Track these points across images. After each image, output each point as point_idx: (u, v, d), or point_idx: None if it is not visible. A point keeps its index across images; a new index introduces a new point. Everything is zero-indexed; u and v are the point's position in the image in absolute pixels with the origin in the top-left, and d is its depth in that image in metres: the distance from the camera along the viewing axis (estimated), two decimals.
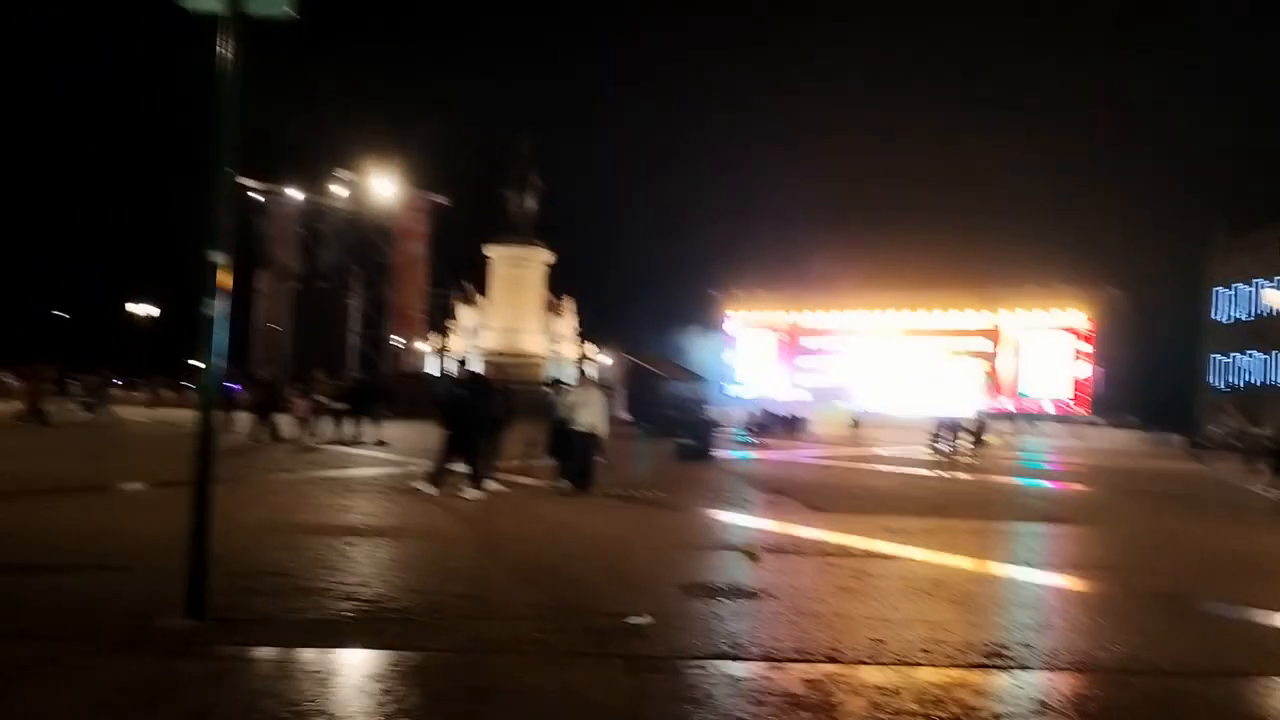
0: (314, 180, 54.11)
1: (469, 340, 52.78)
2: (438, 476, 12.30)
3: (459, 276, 55.76)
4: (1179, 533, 13.23)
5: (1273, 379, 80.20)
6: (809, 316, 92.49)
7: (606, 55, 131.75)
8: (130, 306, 68.61)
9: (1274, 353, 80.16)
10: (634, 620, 5.91)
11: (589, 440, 13.23)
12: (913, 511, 13.37)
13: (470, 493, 12.13)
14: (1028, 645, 5.85)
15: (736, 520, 11.67)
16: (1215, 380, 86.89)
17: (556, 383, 15.74)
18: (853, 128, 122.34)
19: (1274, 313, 78.40)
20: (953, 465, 26.78)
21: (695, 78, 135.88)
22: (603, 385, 16.20)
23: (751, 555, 8.61)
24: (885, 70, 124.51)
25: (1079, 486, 21.41)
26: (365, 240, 54.44)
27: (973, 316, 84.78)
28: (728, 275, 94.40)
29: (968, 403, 68.44)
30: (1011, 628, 6.41)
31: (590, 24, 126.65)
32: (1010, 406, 76.95)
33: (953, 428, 31.14)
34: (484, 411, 12.51)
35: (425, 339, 53.94)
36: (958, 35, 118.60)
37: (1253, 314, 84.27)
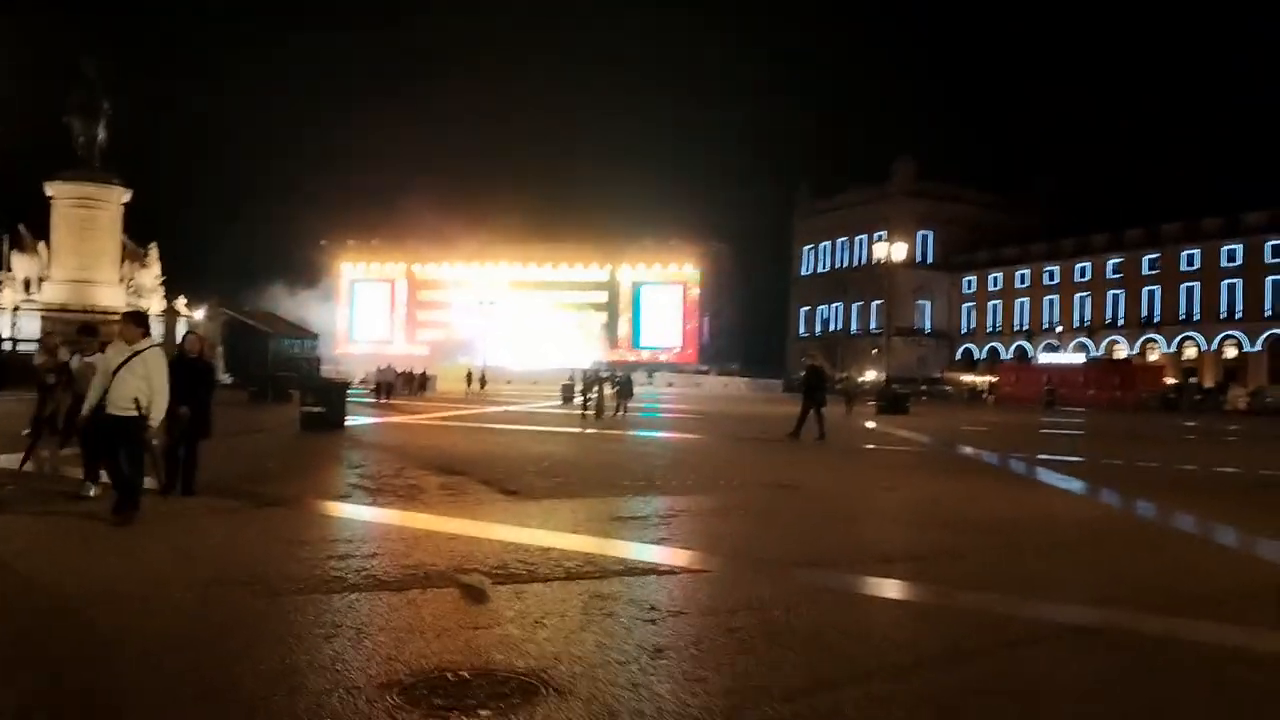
0: None
1: (26, 294, 44.07)
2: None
3: (11, 219, 46.28)
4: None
5: (846, 326, 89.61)
6: (426, 269, 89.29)
7: None
8: None
9: (851, 303, 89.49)
10: None
11: (129, 426, 8.32)
12: (629, 489, 11.36)
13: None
14: None
15: (424, 522, 8.58)
16: (803, 329, 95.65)
17: (83, 334, 11.41)
18: (463, 78, 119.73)
19: (853, 266, 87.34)
20: (601, 421, 25.69)
21: (303, 15, 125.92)
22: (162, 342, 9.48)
23: (476, 590, 5.88)
24: (498, 27, 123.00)
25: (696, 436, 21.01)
26: None
27: (590, 271, 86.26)
28: (339, 225, 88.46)
29: (586, 356, 69.51)
30: None
31: None
32: (627, 358, 79.27)
33: (595, 380, 30.02)
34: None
35: None
36: None
37: (829, 268, 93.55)
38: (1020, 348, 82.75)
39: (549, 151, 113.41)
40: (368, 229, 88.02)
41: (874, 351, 74.06)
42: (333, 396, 21.28)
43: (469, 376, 54.66)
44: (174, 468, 9.71)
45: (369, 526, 8.62)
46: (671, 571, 6.80)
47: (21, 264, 45.03)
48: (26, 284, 44.73)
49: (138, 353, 8.31)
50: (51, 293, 43.53)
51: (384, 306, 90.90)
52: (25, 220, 45.12)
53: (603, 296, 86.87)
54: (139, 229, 47.16)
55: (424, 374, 51.92)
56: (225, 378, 45.31)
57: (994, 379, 67.35)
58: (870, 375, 68.90)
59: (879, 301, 77.14)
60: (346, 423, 21.24)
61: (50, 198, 44.00)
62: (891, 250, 45.96)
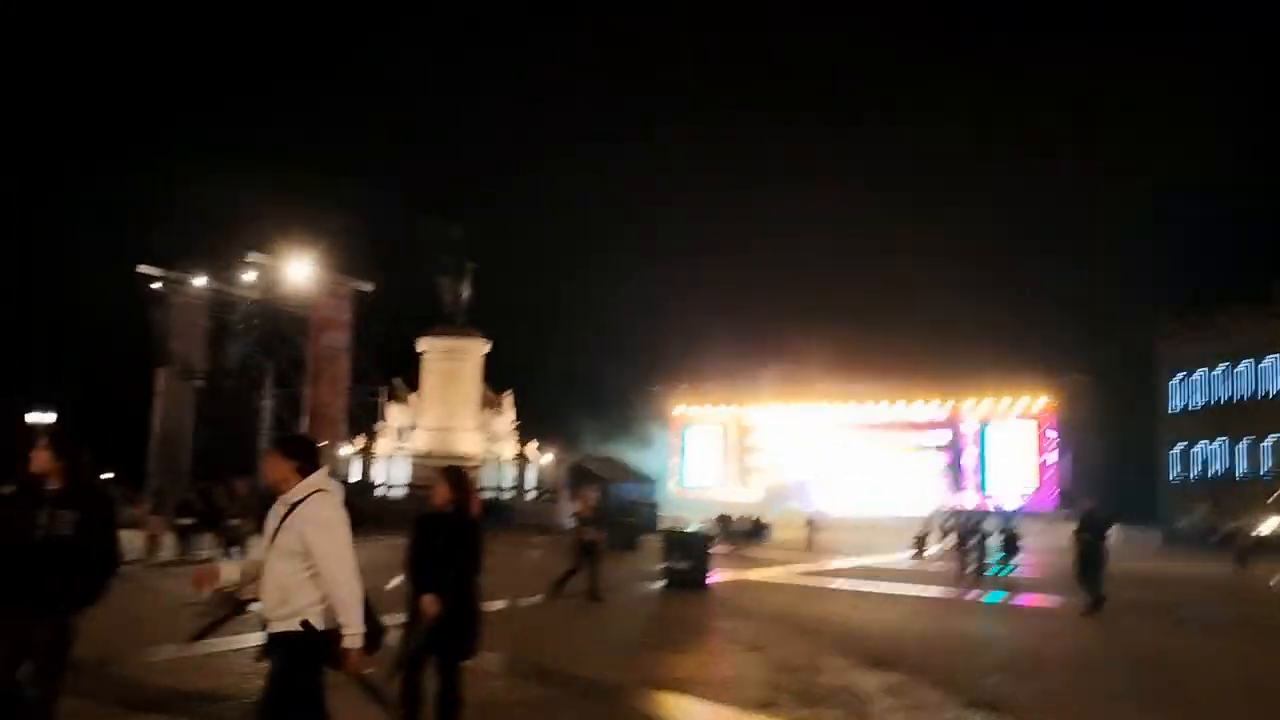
0: (222, 266, 48.75)
1: (398, 442, 47.34)
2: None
3: (387, 372, 50.54)
4: None
5: (1234, 466, 78.08)
6: (755, 411, 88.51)
7: (543, 134, 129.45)
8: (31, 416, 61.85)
9: (1236, 439, 78.19)
10: None
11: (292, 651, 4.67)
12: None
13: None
14: None
15: None
16: (1176, 470, 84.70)
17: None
18: (794, 218, 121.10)
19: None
20: (986, 580, 22.34)
21: (637, 160, 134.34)
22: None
23: None
24: (836, 163, 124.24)
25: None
26: (279, 332, 48.98)
27: (929, 408, 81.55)
28: (671, 369, 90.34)
29: (929, 501, 64.79)
30: None
31: (527, 100, 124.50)
32: (976, 503, 73.18)
33: (972, 529, 26.24)
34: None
35: (348, 441, 48.31)
36: (906, 125, 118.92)
37: (1211, 401, 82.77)
38: None
39: (903, 292, 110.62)
40: (698, 372, 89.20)
41: (1270, 500, 63.54)
42: (696, 551, 19.68)
43: (809, 524, 52.05)
44: (415, 701, 6.04)
45: None
46: None
47: (396, 414, 48.66)
48: (400, 433, 48.10)
49: (292, 507, 4.59)
50: (419, 440, 46.42)
51: (715, 450, 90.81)
52: (401, 374, 48.98)
53: (943, 436, 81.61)
54: (495, 377, 49.80)
55: (758, 521, 50.05)
56: (571, 524, 45.87)
57: None
58: (1273, 525, 58.74)
59: (1277, 437, 66.63)
60: (705, 579, 19.52)
61: (421, 352, 47.49)
62: None
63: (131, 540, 16.76)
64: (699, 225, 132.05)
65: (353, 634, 4.39)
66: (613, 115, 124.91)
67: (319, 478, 4.62)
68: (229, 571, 4.81)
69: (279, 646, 4.42)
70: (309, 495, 4.52)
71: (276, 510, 4.57)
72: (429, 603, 5.86)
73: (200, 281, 48.63)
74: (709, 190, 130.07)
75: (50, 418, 64.82)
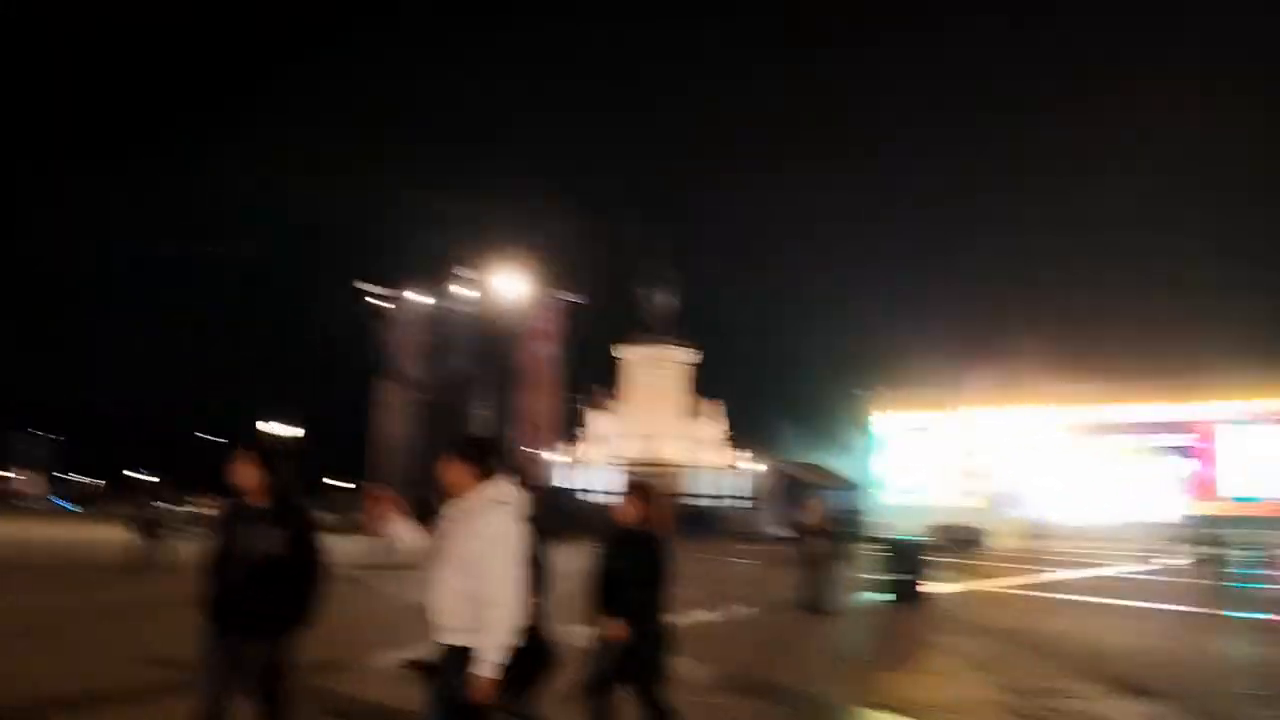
0: (437, 282, 51.23)
1: (604, 449, 48.17)
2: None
3: (592, 380, 51.62)
4: None
5: None
6: (971, 415, 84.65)
7: (743, 149, 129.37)
8: (268, 426, 67.13)
9: None
10: None
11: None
12: None
13: None
14: None
15: None
16: None
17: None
18: (1001, 215, 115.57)
19: None
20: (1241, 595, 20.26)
21: (835, 163, 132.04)
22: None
23: None
24: (1054, 153, 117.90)
25: None
26: (491, 344, 50.95)
27: (1166, 409, 75.43)
28: (876, 373, 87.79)
29: (1164, 508, 60.06)
30: None
31: (730, 115, 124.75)
32: (1220, 511, 67.16)
33: (1214, 540, 23.97)
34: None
35: (557, 449, 49.58)
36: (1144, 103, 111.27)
37: None
38: None
39: (1132, 284, 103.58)
40: (904, 375, 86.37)
41: None
42: (915, 560, 18.80)
43: (1031, 532, 49.31)
44: None
45: None
46: None
47: (601, 421, 49.57)
48: (605, 440, 48.97)
49: (465, 515, 4.31)
50: (625, 447, 47.07)
51: (924, 456, 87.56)
52: (607, 382, 49.91)
53: (1180, 439, 75.29)
54: (704, 386, 49.92)
55: (976, 529, 47.76)
56: (780, 531, 45.27)
57: None
58: None
59: None
60: (924, 590, 18.60)
61: (625, 360, 48.21)
62: None
63: (353, 545, 17.51)
64: (913, 227, 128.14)
65: (489, 660, 4.02)
66: (836, 131, 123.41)
67: (497, 485, 4.28)
68: (402, 528, 4.44)
69: (452, 662, 4.13)
70: (484, 503, 4.23)
71: (450, 516, 4.27)
72: (613, 627, 5.62)
73: (418, 298, 51.28)
74: (921, 192, 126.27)
75: (287, 431, 70.19)
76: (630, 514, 5.86)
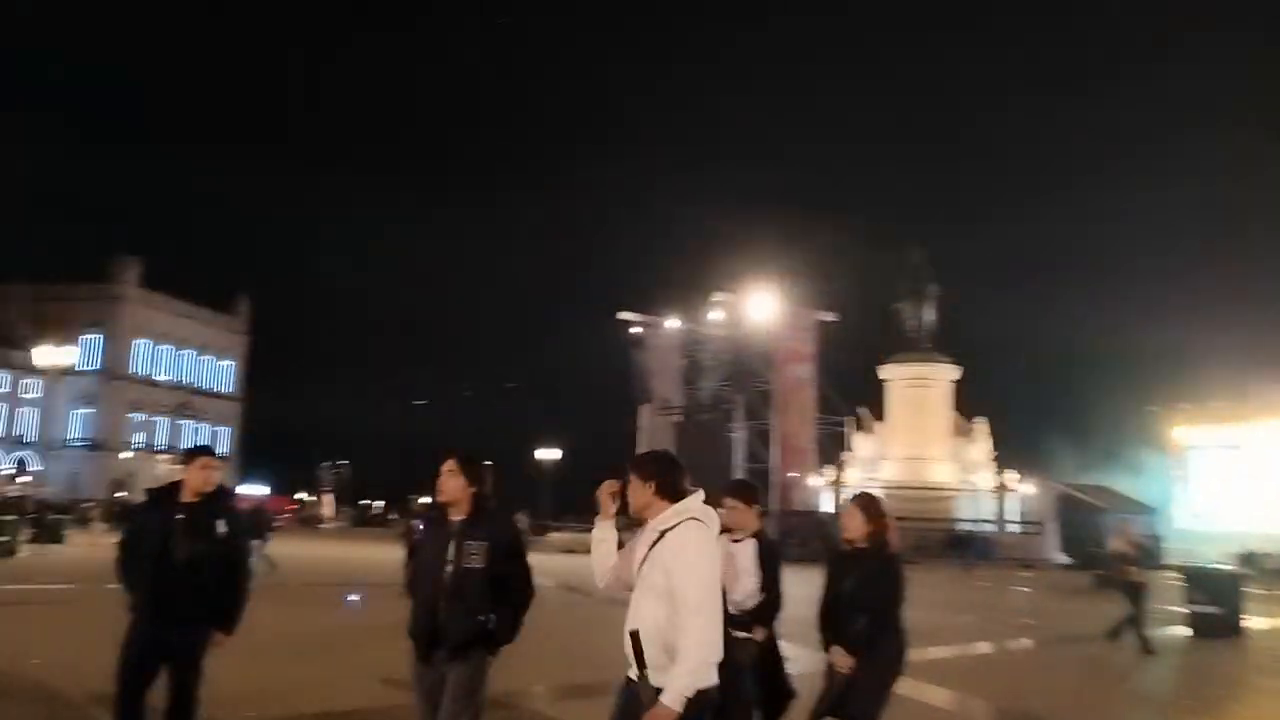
0: (692, 306, 51.79)
1: (866, 472, 46.66)
2: None
3: (851, 401, 50.26)
4: None
5: None
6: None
7: (1006, 157, 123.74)
8: (538, 453, 70.46)
9: None
10: None
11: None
12: None
13: None
14: None
15: None
16: None
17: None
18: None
19: None
20: None
21: (1117, 167, 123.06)
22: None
23: None
24: None
25: None
26: (747, 366, 50.80)
27: None
28: (1169, 387, 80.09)
29: None
30: None
31: (983, 124, 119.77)
32: None
33: None
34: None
35: (817, 471, 48.55)
36: None
37: None
38: None
39: None
40: (1203, 389, 78.27)
41: None
42: (1226, 591, 16.67)
43: None
44: None
45: None
46: None
47: (863, 444, 48.13)
48: (868, 463, 47.48)
49: (661, 535, 3.79)
50: (888, 470, 45.40)
51: (1228, 477, 78.91)
52: (865, 403, 48.47)
53: None
54: (967, 404, 47.45)
55: None
56: (1061, 558, 42.07)
57: None
58: None
59: None
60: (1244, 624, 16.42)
61: (885, 380, 46.60)
62: None
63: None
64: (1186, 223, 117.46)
65: (674, 694, 3.45)
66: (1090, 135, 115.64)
67: (691, 503, 3.81)
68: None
69: (644, 699, 3.56)
70: (678, 524, 3.74)
71: (645, 538, 3.80)
72: (838, 656, 5.15)
73: (673, 323, 51.99)
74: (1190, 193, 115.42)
75: (554, 455, 73.12)
76: (855, 530, 5.37)
